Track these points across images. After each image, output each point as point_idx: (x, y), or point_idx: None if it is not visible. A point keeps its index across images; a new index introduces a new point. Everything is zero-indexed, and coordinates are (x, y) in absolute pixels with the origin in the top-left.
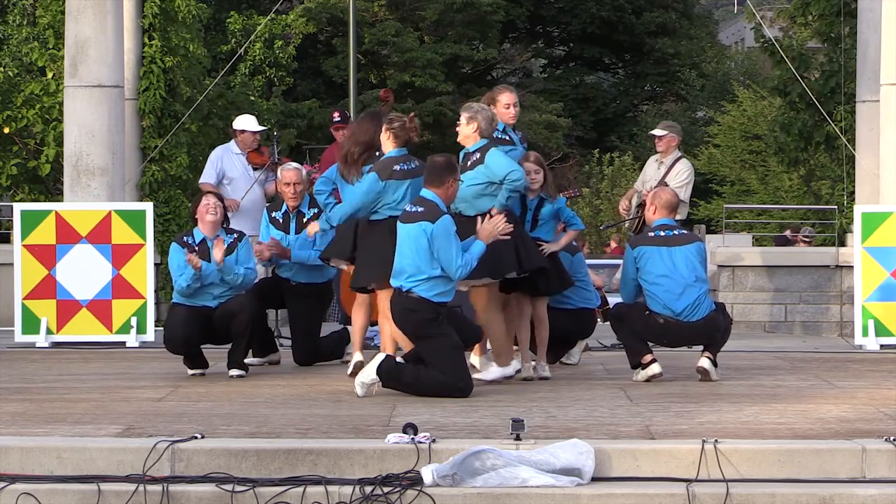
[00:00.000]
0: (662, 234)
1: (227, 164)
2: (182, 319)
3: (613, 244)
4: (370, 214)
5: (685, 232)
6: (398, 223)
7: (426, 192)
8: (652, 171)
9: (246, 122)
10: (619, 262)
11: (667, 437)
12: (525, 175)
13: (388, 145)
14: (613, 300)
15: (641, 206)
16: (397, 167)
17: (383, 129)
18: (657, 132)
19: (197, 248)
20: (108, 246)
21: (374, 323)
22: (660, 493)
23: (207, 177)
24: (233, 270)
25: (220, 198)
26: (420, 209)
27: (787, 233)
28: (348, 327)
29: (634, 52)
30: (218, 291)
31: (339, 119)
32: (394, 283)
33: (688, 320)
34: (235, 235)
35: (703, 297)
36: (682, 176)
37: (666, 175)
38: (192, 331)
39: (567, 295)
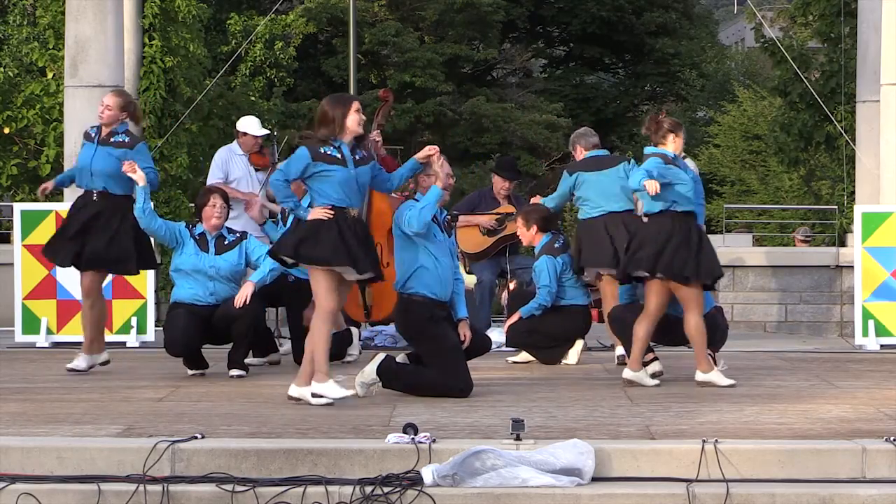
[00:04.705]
0: None
1: (231, 165)
2: (182, 324)
3: None
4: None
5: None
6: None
7: None
8: None
9: (248, 125)
10: None
11: (667, 437)
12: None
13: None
14: None
15: None
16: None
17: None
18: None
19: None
20: None
21: (374, 323)
22: (660, 493)
23: (214, 178)
24: (263, 280)
25: (226, 198)
26: None
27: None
28: (351, 328)
29: (634, 52)
30: (220, 288)
31: None
32: (396, 286)
33: None
34: (238, 234)
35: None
36: None
37: None
38: (191, 335)
39: (561, 294)
